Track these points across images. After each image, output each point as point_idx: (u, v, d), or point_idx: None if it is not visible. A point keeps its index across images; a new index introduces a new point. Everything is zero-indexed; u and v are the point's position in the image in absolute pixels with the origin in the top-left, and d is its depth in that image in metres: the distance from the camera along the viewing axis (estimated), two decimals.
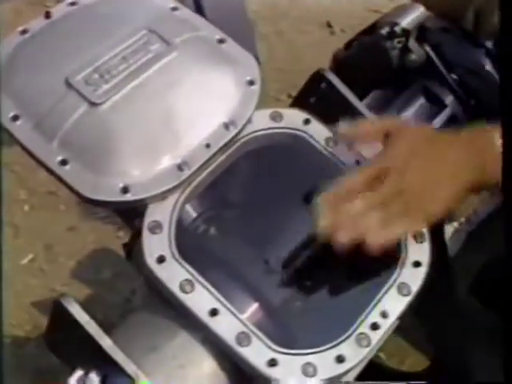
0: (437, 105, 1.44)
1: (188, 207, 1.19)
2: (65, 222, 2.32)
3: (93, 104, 1.03)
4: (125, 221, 1.19)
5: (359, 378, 1.11)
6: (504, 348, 0.96)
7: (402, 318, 1.07)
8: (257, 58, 1.19)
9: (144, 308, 1.09)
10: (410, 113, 1.42)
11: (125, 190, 1.02)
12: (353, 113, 1.27)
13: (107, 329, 1.02)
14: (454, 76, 1.44)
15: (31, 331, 2.01)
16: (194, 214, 1.21)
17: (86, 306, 2.04)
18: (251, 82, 1.13)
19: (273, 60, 2.73)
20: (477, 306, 1.77)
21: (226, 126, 1.09)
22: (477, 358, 1.47)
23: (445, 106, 1.44)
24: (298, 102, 1.33)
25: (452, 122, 1.44)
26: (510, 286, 0.95)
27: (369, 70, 1.45)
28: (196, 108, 1.09)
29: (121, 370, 0.93)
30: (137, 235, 1.06)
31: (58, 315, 0.98)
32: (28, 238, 2.25)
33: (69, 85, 1.04)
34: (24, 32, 1.12)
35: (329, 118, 1.20)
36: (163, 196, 1.05)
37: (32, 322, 2.03)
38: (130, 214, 1.11)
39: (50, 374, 1.84)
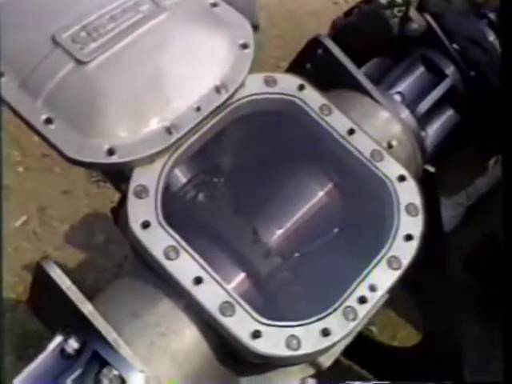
0: (437, 74, 1.42)
1: (177, 172, 1.16)
2: (59, 184, 2.30)
3: (79, 62, 1.00)
4: (112, 184, 1.16)
5: (349, 352, 1.10)
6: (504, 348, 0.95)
7: (392, 291, 1.05)
8: (257, 26, 1.16)
9: (128, 274, 1.07)
10: (408, 81, 1.39)
11: (110, 151, 0.99)
12: (349, 79, 1.25)
13: (95, 294, 1.00)
14: (456, 46, 1.41)
15: (21, 295, 2.00)
16: (182, 180, 1.19)
17: (77, 270, 2.04)
18: (244, 46, 1.10)
19: (274, 28, 2.70)
20: (470, 281, 1.76)
21: (218, 89, 1.06)
22: (467, 332, 1.47)
23: (445, 76, 1.41)
24: (294, 67, 1.31)
25: (451, 93, 1.41)
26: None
27: (368, 38, 1.43)
28: (186, 70, 1.06)
29: (100, 337, 0.91)
30: (123, 199, 1.04)
31: (40, 279, 0.96)
32: (21, 200, 2.22)
33: (55, 42, 1.01)
34: None
35: (324, 85, 1.18)
36: (150, 159, 1.02)
37: (23, 285, 2.01)
38: (117, 177, 1.09)
39: (38, 339, 1.83)
